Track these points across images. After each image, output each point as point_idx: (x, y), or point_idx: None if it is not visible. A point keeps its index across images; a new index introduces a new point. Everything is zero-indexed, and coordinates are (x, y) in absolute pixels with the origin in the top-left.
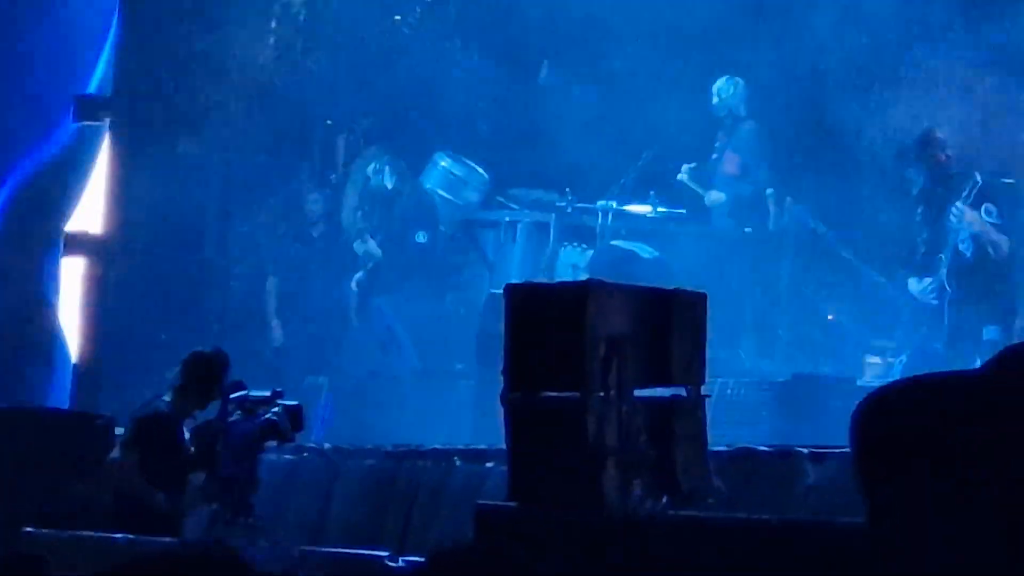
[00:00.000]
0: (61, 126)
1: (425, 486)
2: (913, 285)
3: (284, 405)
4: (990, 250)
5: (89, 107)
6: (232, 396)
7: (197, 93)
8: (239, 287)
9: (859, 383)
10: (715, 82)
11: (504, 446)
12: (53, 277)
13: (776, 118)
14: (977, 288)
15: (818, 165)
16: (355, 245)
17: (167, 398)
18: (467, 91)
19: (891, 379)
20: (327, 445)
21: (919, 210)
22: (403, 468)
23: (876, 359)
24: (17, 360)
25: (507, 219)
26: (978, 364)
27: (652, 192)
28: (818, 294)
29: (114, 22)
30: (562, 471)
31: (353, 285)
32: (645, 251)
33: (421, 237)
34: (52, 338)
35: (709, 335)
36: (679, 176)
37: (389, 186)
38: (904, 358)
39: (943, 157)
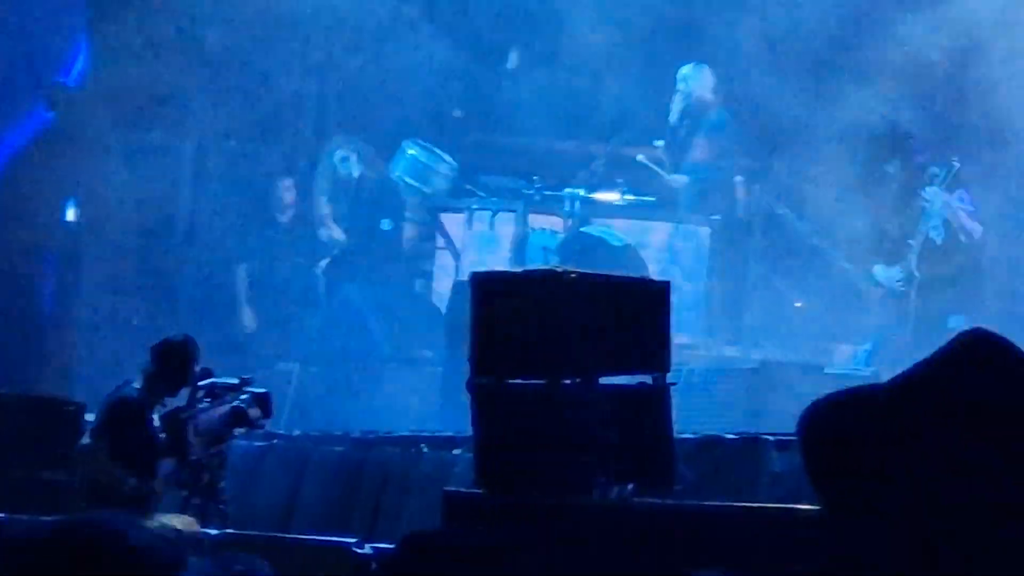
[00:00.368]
0: (33, 114)
1: (393, 473)
2: (880, 272)
3: (252, 392)
4: (962, 237)
5: (60, 94)
6: (200, 383)
7: (167, 80)
8: (210, 273)
9: (826, 370)
10: (681, 68)
11: (472, 433)
12: None
13: (743, 105)
14: (945, 274)
15: (786, 152)
16: (320, 232)
17: (137, 384)
18: (435, 78)
19: (857, 366)
20: (296, 432)
21: (890, 197)
22: (371, 455)
23: (843, 346)
24: None
25: (475, 206)
26: None
27: (620, 180)
28: (785, 281)
29: (84, 9)
30: (528, 458)
31: (319, 271)
32: (614, 238)
33: (386, 225)
34: (23, 324)
35: (675, 322)
36: (638, 157)
37: (355, 174)
38: (870, 346)
39: (915, 145)
